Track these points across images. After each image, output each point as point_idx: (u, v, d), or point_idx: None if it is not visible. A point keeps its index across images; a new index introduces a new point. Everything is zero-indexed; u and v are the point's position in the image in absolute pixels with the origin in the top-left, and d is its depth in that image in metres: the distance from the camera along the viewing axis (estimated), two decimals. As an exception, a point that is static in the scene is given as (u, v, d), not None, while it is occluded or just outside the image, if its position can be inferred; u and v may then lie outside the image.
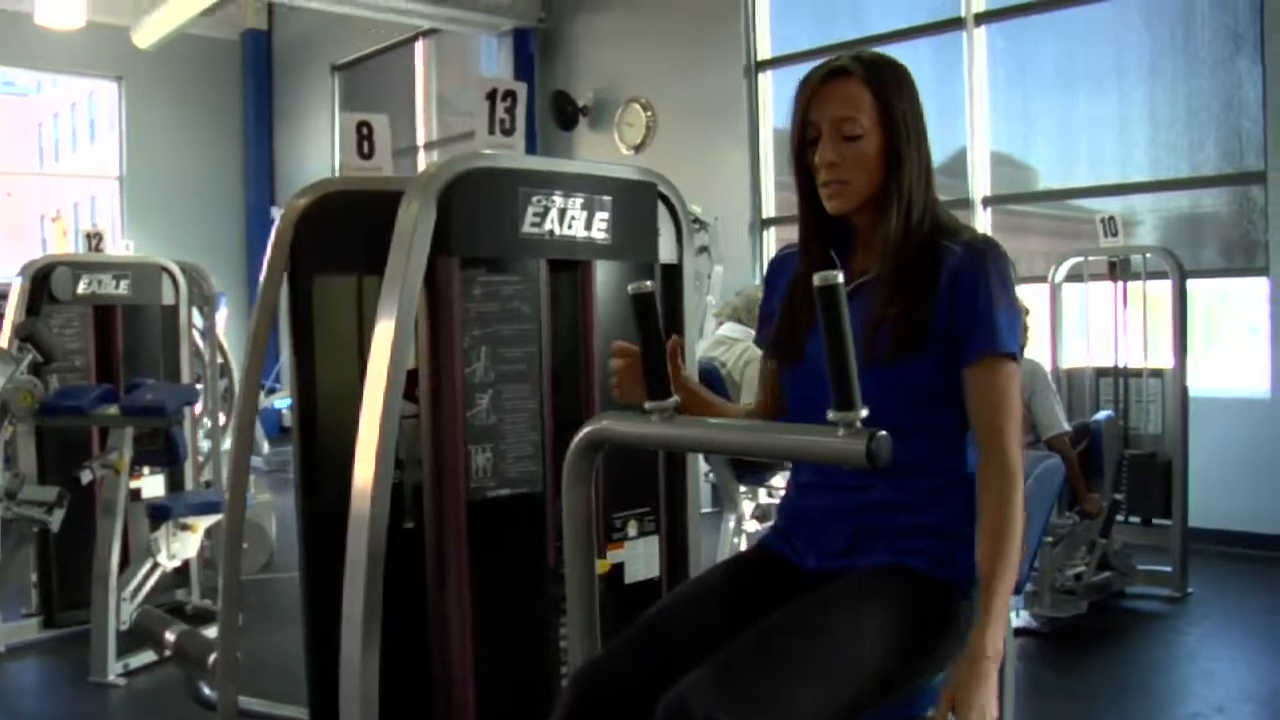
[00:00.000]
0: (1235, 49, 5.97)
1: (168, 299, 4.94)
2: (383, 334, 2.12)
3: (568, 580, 1.91)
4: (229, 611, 2.59)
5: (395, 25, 10.72)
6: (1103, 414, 4.83)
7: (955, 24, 7.16)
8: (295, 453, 2.58)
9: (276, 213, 12.79)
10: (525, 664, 2.33)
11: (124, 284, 4.78)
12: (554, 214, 2.31)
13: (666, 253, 2.57)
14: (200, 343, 5.53)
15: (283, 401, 9.68)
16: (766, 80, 8.48)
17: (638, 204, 2.49)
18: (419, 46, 11.42)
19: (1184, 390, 4.89)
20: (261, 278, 2.47)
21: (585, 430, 1.77)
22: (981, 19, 7.04)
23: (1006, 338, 1.66)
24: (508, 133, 2.53)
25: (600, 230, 2.40)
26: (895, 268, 1.69)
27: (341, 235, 2.51)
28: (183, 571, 4.84)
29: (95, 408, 4.04)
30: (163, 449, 4.22)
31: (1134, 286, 5.19)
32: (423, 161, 11.45)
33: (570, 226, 2.34)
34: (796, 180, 1.78)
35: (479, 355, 2.21)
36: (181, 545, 4.42)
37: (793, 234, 1.87)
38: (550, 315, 2.34)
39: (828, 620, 1.54)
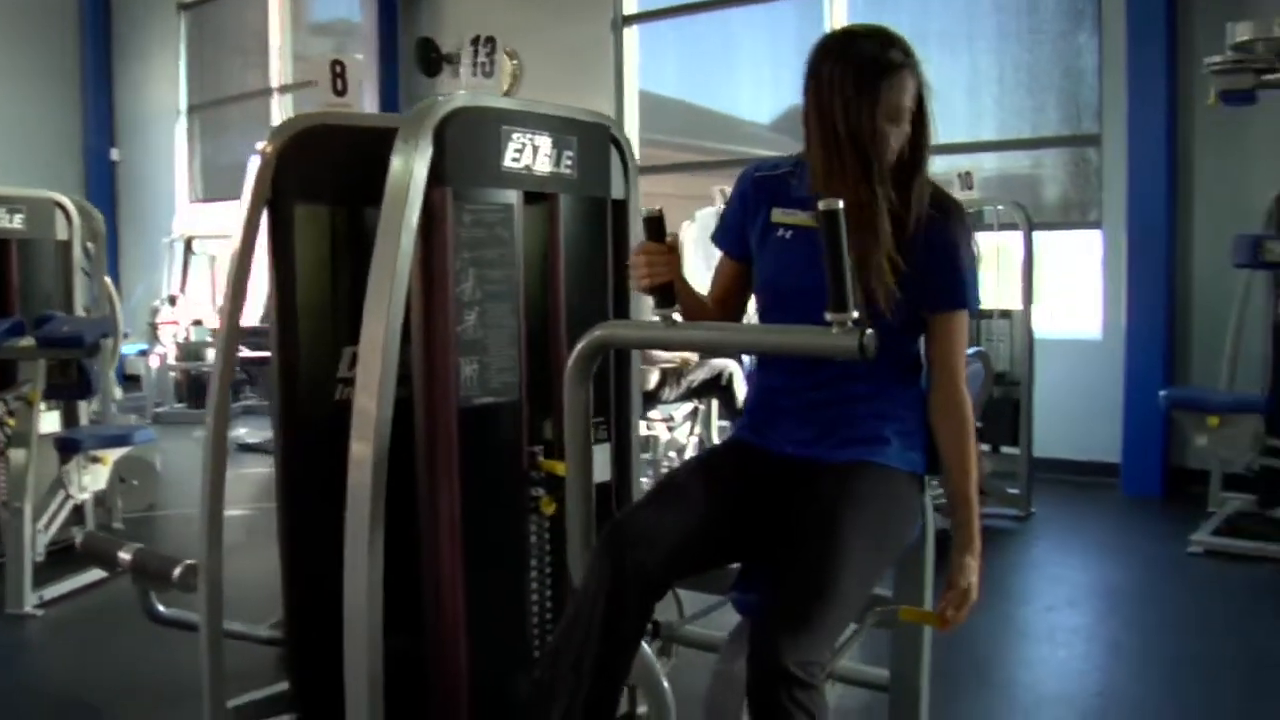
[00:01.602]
0: (1076, 23, 6.54)
1: (60, 234, 4.92)
2: (385, 257, 2.32)
3: (569, 470, 2.17)
4: (213, 539, 2.70)
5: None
6: (970, 349, 5.32)
7: (816, -14, 7.58)
8: (275, 372, 2.76)
9: (116, 154, 12.40)
10: (506, 558, 2.58)
11: (18, 218, 4.74)
12: (529, 150, 2.55)
13: (617, 190, 2.84)
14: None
15: (131, 348, 9.47)
16: (632, 34, 8.74)
17: (595, 144, 2.74)
18: (274, -15, 11.23)
19: (1030, 332, 5.42)
20: (244, 208, 2.62)
21: (590, 335, 2.04)
22: (841, -18, 7.48)
23: (971, 296, 2.02)
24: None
25: (567, 166, 2.64)
26: (894, 225, 1.97)
27: (321, 167, 2.69)
28: (79, 509, 4.86)
29: (6, 340, 4.04)
30: (76, 382, 4.25)
31: (985, 236, 5.68)
32: (275, 106, 11.29)
33: (543, 163, 2.58)
34: (830, 132, 1.95)
35: (468, 276, 2.44)
36: (93, 478, 4.47)
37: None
38: (525, 242, 2.58)
39: (841, 533, 1.82)
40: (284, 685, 3.07)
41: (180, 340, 9.68)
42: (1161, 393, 5.14)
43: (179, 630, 3.29)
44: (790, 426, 2.06)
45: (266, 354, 8.57)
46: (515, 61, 9.16)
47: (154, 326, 9.47)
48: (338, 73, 2.76)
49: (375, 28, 9.67)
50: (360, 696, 2.34)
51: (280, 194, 2.64)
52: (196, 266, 10.19)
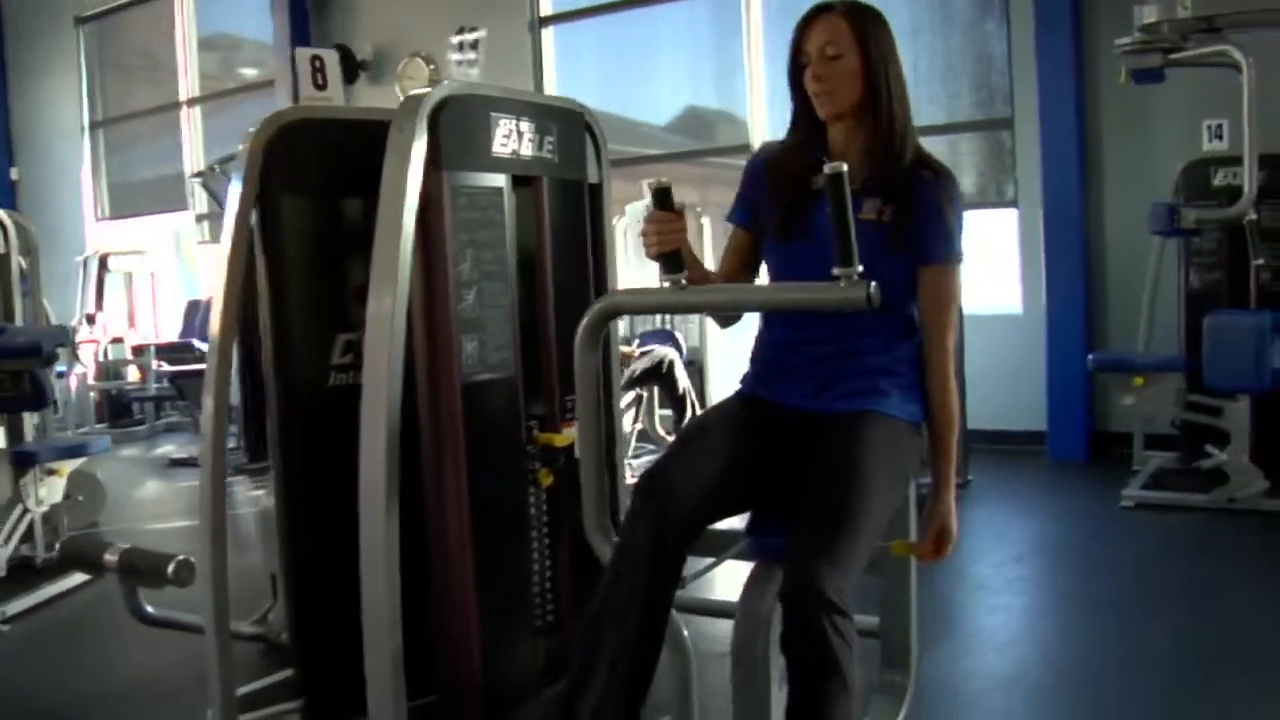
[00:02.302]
0: (984, 11, 6.82)
1: (-3, 249, 4.87)
2: (387, 241, 2.39)
3: (581, 437, 2.28)
4: (216, 537, 2.72)
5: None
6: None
7: (733, -16, 7.76)
8: (270, 361, 2.81)
9: (15, 173, 12.13)
10: (510, 529, 2.67)
11: (-46, 233, 4.68)
12: (515, 136, 2.64)
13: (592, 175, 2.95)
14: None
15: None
16: (550, 35, 8.83)
17: (572, 130, 2.85)
18: (178, -1, 11.08)
19: (959, 308, 5.63)
20: (233, 203, 2.67)
21: (599, 303, 2.15)
22: (757, -20, 7.67)
23: (958, 248, 2.18)
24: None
25: (549, 151, 2.75)
26: (887, 185, 2.13)
27: (306, 160, 2.75)
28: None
29: (-44, 353, 4.00)
30: (29, 392, 4.21)
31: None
32: (185, 119, 11.14)
33: (527, 148, 2.68)
34: (794, 98, 2.20)
35: (465, 256, 2.53)
36: (49, 490, 4.43)
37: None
38: (513, 223, 2.67)
39: (859, 475, 1.95)
40: (277, 676, 3.14)
41: (100, 359, 9.52)
42: (1089, 357, 5.40)
43: (161, 631, 3.35)
44: (796, 380, 2.19)
45: (192, 368, 8.49)
46: (432, 67, 9.17)
47: (73, 346, 9.28)
48: (317, 67, 2.83)
49: (287, 36, 9.61)
50: (383, 668, 2.41)
51: (268, 187, 2.70)
52: (111, 284, 10.01)
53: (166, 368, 9.22)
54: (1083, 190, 6.35)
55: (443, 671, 2.62)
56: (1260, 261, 5.10)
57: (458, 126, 2.50)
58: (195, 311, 9.83)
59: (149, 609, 3.22)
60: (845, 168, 1.77)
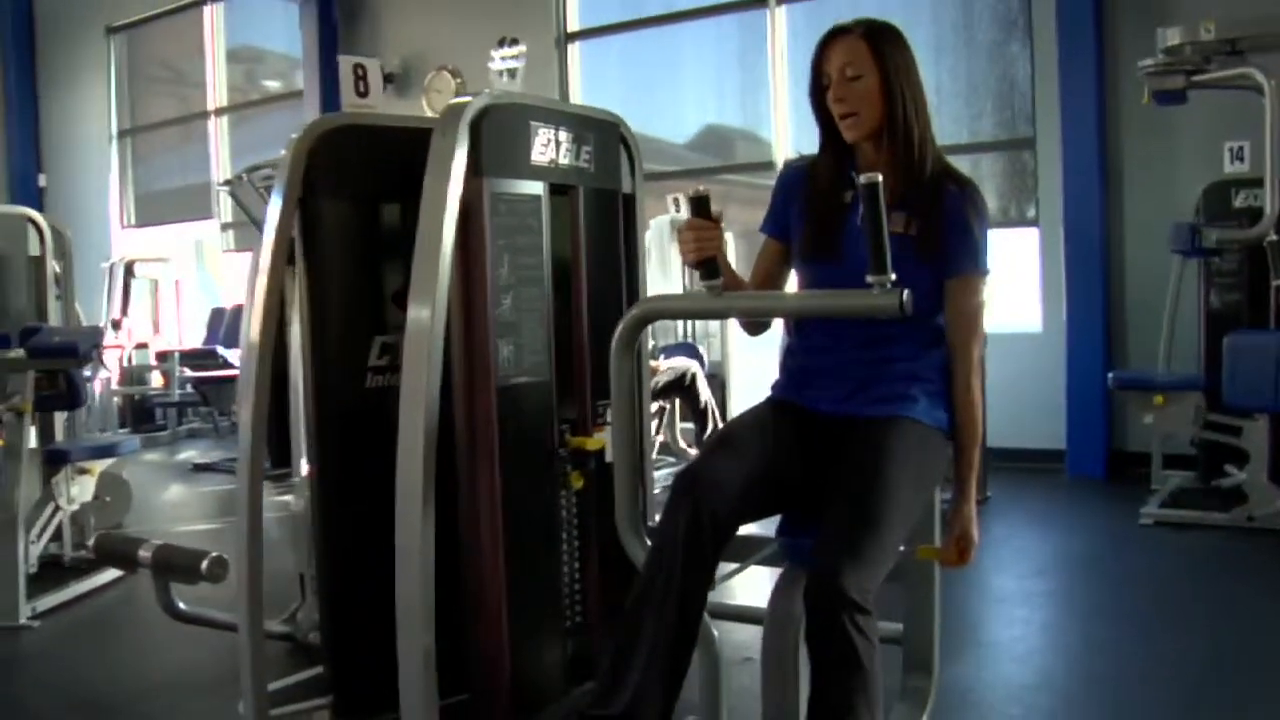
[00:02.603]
0: (1008, 33, 6.89)
1: (33, 250, 4.95)
2: (428, 244, 2.45)
3: (615, 440, 2.33)
4: (253, 538, 2.77)
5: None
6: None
7: (759, 2, 7.83)
8: (307, 358, 2.87)
9: (44, 179, 12.30)
10: (541, 530, 2.72)
11: (-10, 234, 4.77)
12: (553, 145, 2.71)
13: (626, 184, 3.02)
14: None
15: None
16: (575, 51, 8.92)
17: (608, 141, 2.91)
18: (208, 10, 11.20)
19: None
20: (275, 207, 2.73)
21: (636, 308, 2.20)
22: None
23: (984, 261, 2.22)
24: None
25: (585, 160, 2.81)
26: (913, 198, 2.18)
27: (346, 165, 2.81)
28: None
29: (-5, 351, 4.08)
30: (64, 392, 4.28)
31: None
32: (213, 128, 11.27)
33: (565, 156, 2.74)
34: (817, 118, 2.26)
35: (503, 262, 2.59)
36: (80, 489, 4.50)
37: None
38: (550, 231, 2.73)
39: (886, 479, 2.00)
40: (305, 674, 3.19)
41: (125, 365, 9.62)
42: (1110, 375, 5.44)
43: (187, 628, 3.39)
44: (827, 385, 2.24)
45: (217, 374, 8.59)
46: (459, 80, 9.26)
47: (99, 351, 9.39)
48: (360, 75, 2.90)
49: (316, 49, 9.73)
50: (416, 666, 2.46)
51: (310, 191, 2.76)
52: (136, 291, 10.12)
53: (190, 373, 9.32)
54: (1104, 210, 6.38)
55: (474, 671, 2.67)
56: (1280, 282, 5.13)
57: (498, 134, 2.57)
58: (219, 319, 9.93)
59: (181, 605, 3.28)
60: (880, 178, 1.82)
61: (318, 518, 2.94)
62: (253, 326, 2.77)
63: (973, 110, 6.98)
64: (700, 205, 2.11)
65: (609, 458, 2.89)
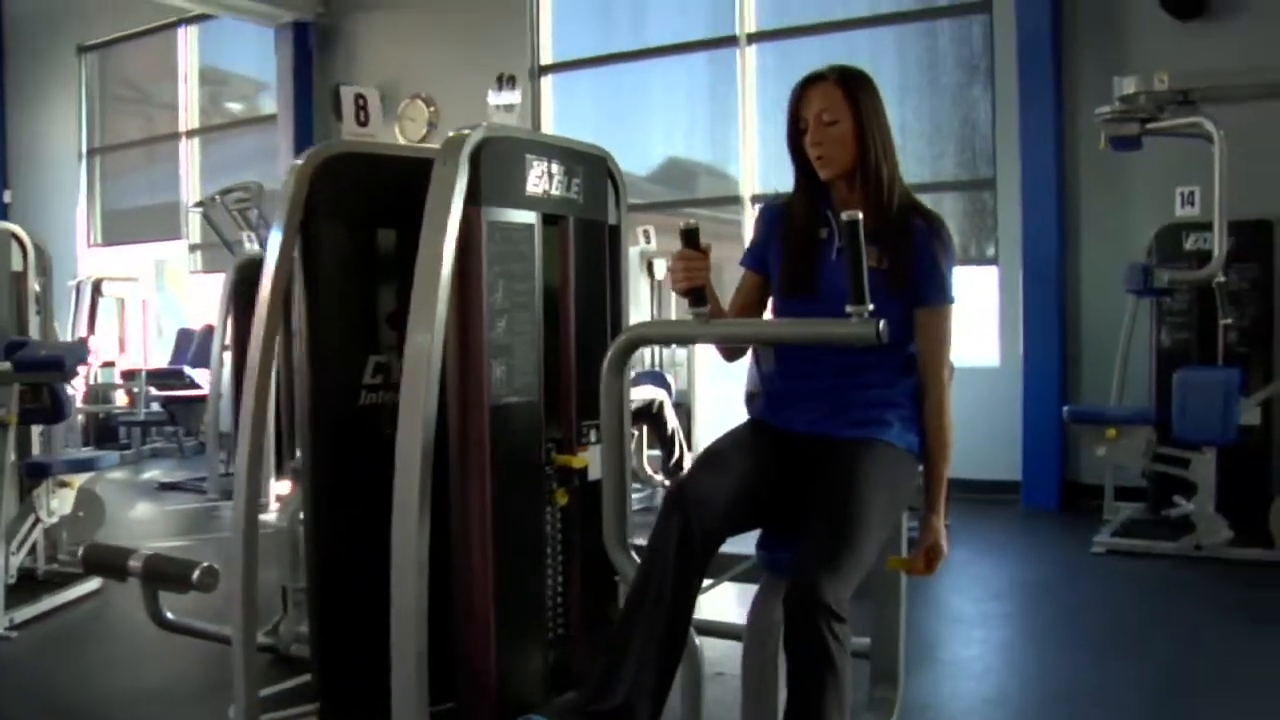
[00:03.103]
0: (971, 78, 7.14)
1: (15, 266, 5.00)
2: (428, 269, 2.58)
3: (605, 458, 2.46)
4: (248, 552, 2.82)
5: (155, 7, 10.33)
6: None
7: (729, 41, 8.04)
8: (305, 379, 2.98)
9: (8, 196, 12.25)
10: (528, 545, 2.83)
11: (-29, 249, 4.81)
12: (546, 177, 2.84)
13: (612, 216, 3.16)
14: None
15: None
16: (548, 84, 9.08)
17: (596, 173, 3.06)
18: (181, 32, 11.27)
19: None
20: (278, 228, 2.85)
21: (627, 332, 2.35)
22: (753, 38, 7.96)
23: (950, 291, 2.39)
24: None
25: (575, 192, 2.95)
26: (883, 234, 2.32)
27: (345, 191, 2.93)
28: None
29: (-20, 366, 4.12)
30: (48, 406, 4.34)
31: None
32: (184, 150, 11.32)
33: (557, 188, 2.88)
34: (794, 158, 2.42)
35: (498, 287, 2.71)
36: (60, 502, 4.55)
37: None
38: (541, 259, 2.86)
39: (860, 495, 2.14)
40: (289, 683, 3.28)
41: (90, 382, 9.61)
42: (1065, 408, 5.64)
43: (166, 639, 3.47)
44: (806, 408, 2.39)
45: (185, 393, 8.60)
46: (432, 109, 9.42)
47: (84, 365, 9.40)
48: (361, 105, 3.02)
49: (290, 74, 9.83)
50: (408, 675, 2.56)
51: (310, 215, 2.88)
52: (103, 309, 10.13)
53: (157, 392, 9.34)
54: (1061, 250, 6.62)
55: (461, 679, 2.77)
56: (1228, 321, 5.36)
57: (496, 165, 2.70)
58: (187, 339, 9.95)
59: (168, 614, 3.36)
60: (860, 215, 1.97)
61: (310, 528, 3.03)
62: (254, 344, 2.88)
63: (935, 150, 7.21)
64: (691, 237, 2.25)
65: (591, 476, 3.02)
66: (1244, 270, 5.49)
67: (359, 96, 3.03)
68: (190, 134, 11.29)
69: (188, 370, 9.19)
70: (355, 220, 2.99)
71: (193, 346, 9.62)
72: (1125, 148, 5.23)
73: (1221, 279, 5.15)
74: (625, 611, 2.10)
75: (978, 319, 6.95)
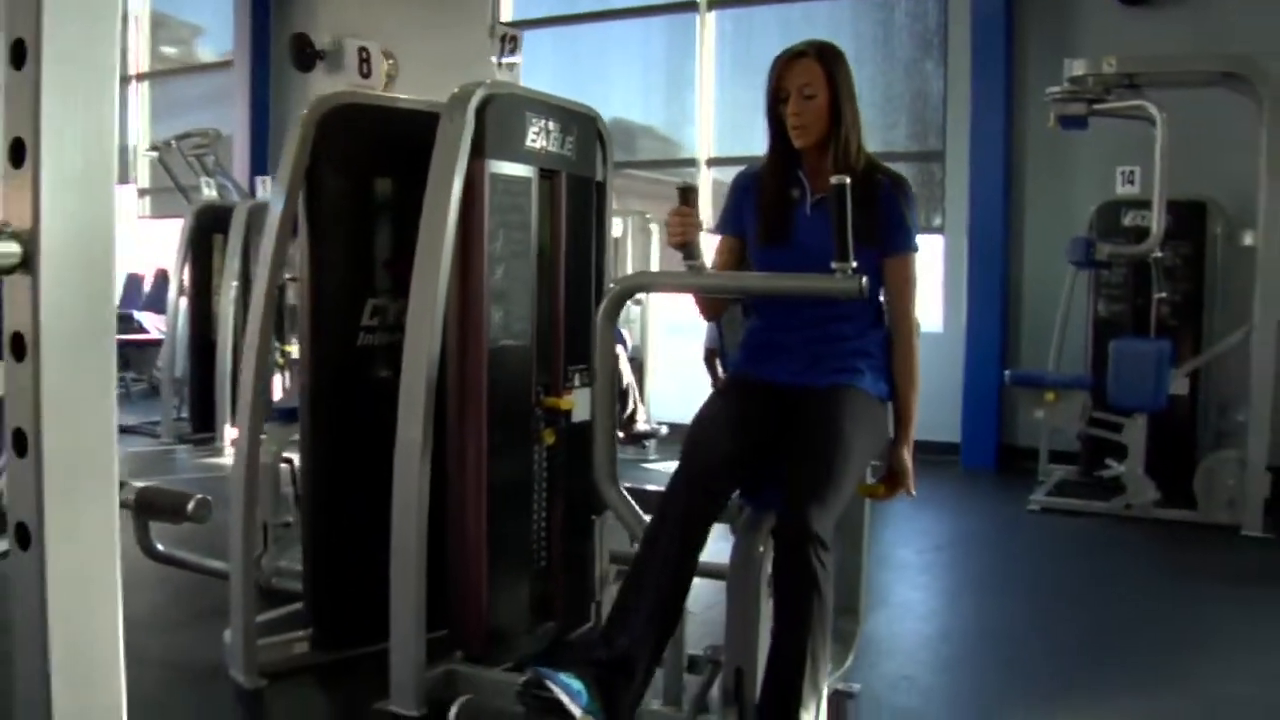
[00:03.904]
0: (925, 53, 7.35)
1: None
2: (434, 217, 2.73)
3: (596, 400, 2.63)
4: (249, 488, 3.00)
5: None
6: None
7: (689, 6, 8.17)
8: (305, 320, 3.11)
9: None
10: (519, 480, 3.01)
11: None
12: (544, 134, 3.00)
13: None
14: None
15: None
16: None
17: (587, 132, 3.21)
18: (132, -23, 11.14)
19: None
20: (283, 174, 2.97)
21: (624, 281, 2.52)
22: (713, 4, 8.08)
23: (914, 240, 2.58)
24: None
25: (569, 149, 3.11)
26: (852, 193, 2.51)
27: (347, 141, 3.06)
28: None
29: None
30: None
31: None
32: (133, 94, 11.20)
33: (553, 144, 3.03)
34: (770, 127, 2.59)
35: (498, 236, 2.86)
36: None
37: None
38: (537, 210, 3.02)
39: (842, 437, 2.33)
40: (282, 609, 3.42)
41: None
42: (1007, 372, 5.91)
43: (145, 570, 3.58)
44: (785, 360, 2.58)
45: (137, 337, 8.60)
46: (391, 61, 9.40)
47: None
48: (364, 58, 3.14)
49: (247, 21, 9.78)
50: (409, 600, 2.73)
51: (315, 162, 3.00)
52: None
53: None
54: (1006, 222, 6.88)
55: (454, 608, 2.94)
56: (1162, 295, 5.66)
57: (499, 120, 2.85)
58: (135, 284, 9.91)
59: (158, 545, 3.48)
60: (849, 180, 2.16)
61: (306, 461, 3.18)
62: (257, 287, 3.01)
63: (888, 120, 7.43)
64: (687, 195, 2.43)
65: (575, 418, 3.20)
66: (1178, 247, 5.78)
67: (362, 49, 3.15)
68: (140, 77, 11.16)
69: (137, 315, 9.18)
70: (356, 169, 3.12)
71: (144, 292, 9.60)
72: (1073, 127, 5.47)
73: (1158, 254, 5.43)
74: (633, 569, 2.27)
75: (922, 286, 7.18)
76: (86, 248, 0.94)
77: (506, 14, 9.09)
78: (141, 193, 10.74)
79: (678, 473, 2.32)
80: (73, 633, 0.97)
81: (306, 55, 9.80)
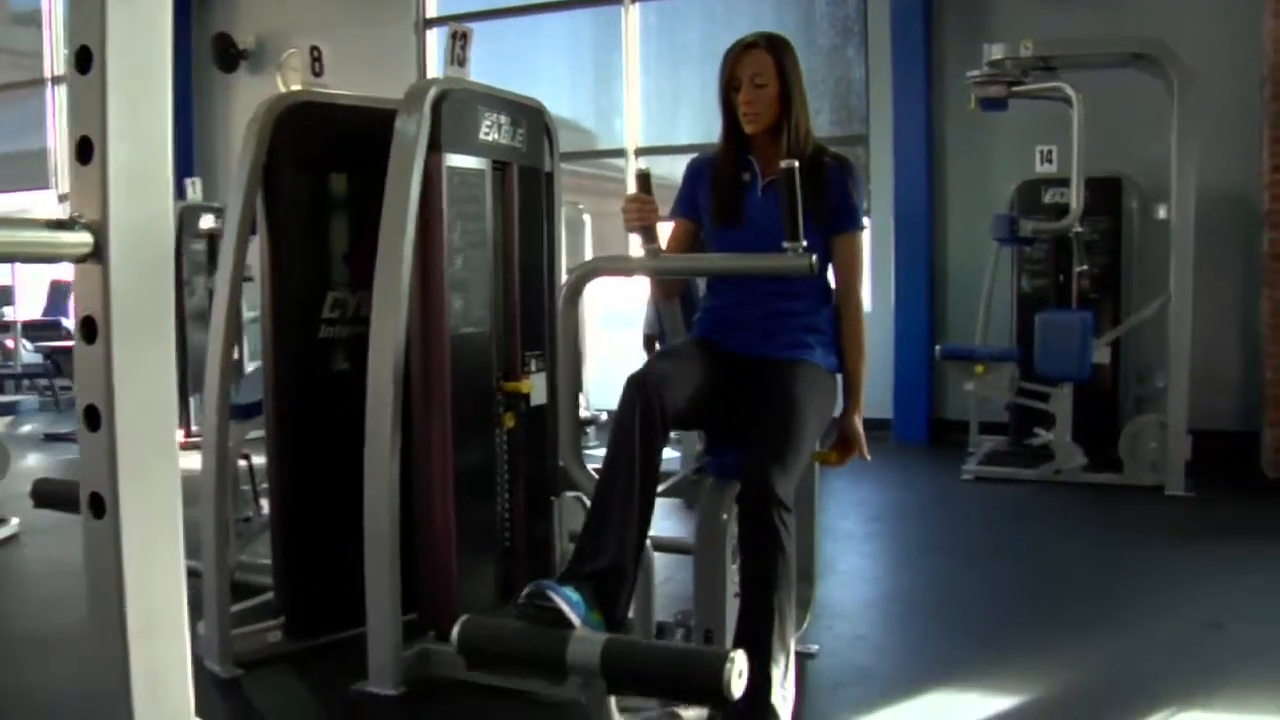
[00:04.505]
0: (846, 40, 7.54)
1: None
2: (394, 210, 2.81)
3: (560, 383, 2.74)
4: (220, 484, 3.03)
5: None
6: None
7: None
8: (266, 314, 3.17)
9: None
10: (482, 463, 3.09)
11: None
12: (496, 127, 3.08)
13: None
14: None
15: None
16: (434, 37, 9.15)
17: (535, 124, 3.30)
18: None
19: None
20: (242, 172, 3.02)
21: (583, 266, 2.61)
22: (637, -3, 8.22)
23: (860, 219, 2.73)
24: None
25: (519, 141, 3.20)
26: (800, 176, 2.64)
27: (305, 138, 3.12)
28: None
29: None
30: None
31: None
32: (49, 97, 11.01)
33: (504, 137, 3.12)
34: (724, 114, 2.72)
35: (456, 227, 2.95)
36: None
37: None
38: (491, 201, 3.11)
39: (798, 405, 2.46)
40: (252, 600, 3.46)
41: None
42: (938, 347, 6.11)
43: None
44: (740, 334, 2.71)
45: (66, 344, 8.49)
46: (318, 61, 9.36)
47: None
48: (315, 57, 3.20)
49: (166, 20, 9.65)
50: (383, 589, 2.81)
51: (272, 159, 3.06)
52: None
53: (27, 345, 9.17)
54: (929, 203, 7.10)
55: (423, 592, 3.02)
56: (1082, 268, 5.90)
57: (454, 115, 2.93)
58: (60, 291, 9.78)
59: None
60: (797, 164, 2.29)
61: (273, 453, 3.24)
62: (220, 287, 3.05)
63: (812, 107, 7.54)
64: (644, 181, 2.54)
65: (534, 401, 3.29)
66: (1096, 222, 6.04)
67: (314, 49, 3.20)
68: (57, 80, 10.97)
69: (65, 322, 9.06)
70: (312, 165, 3.19)
71: (71, 299, 9.46)
72: (993, 109, 5.68)
73: (1078, 230, 5.67)
74: (600, 485, 2.35)
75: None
76: (150, 237, 1.02)
77: (431, 10, 9.10)
78: (62, 198, 10.57)
79: (631, 392, 2.38)
80: (145, 593, 1.06)
81: (230, 55, 9.79)
